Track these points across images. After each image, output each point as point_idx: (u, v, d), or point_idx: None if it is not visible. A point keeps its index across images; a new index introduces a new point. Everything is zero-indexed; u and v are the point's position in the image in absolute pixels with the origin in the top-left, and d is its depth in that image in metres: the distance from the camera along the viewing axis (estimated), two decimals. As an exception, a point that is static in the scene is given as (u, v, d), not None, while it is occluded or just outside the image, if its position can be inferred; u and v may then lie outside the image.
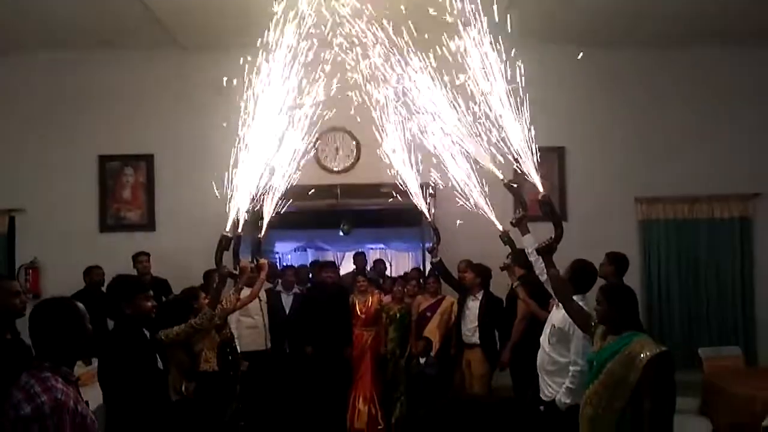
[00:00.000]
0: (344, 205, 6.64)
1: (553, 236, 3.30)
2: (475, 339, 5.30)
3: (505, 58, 3.26)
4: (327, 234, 9.71)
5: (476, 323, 5.29)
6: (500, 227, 4.05)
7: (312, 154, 6.07)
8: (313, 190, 5.55)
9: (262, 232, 4.45)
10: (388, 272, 8.11)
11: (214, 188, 4.18)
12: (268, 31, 3.60)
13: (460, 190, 4.11)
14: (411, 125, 4.30)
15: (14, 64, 6.43)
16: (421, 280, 6.14)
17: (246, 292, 4.70)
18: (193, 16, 5.63)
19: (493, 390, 5.35)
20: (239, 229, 4.03)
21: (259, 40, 3.63)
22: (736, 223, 6.56)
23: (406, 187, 4.84)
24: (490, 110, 3.31)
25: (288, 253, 10.52)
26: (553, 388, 3.62)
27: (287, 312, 5.97)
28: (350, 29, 3.66)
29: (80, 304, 2.30)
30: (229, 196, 3.97)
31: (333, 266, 6.53)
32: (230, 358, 4.61)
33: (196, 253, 5.76)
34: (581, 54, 6.35)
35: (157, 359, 3.05)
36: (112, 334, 3.13)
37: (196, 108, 6.29)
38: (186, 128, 6.42)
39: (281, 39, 3.62)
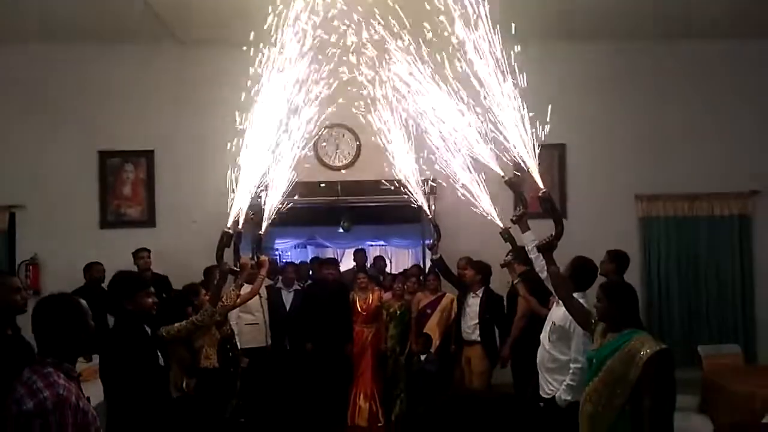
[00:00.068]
0: (344, 201, 6.64)
1: (553, 233, 3.30)
2: (476, 336, 5.31)
3: (506, 56, 3.26)
4: (327, 231, 9.73)
5: (476, 320, 5.30)
6: (500, 224, 4.04)
7: (312, 150, 6.10)
8: (313, 187, 5.56)
9: (263, 229, 4.45)
10: (388, 269, 8.12)
11: (215, 184, 4.17)
12: (268, 26, 3.59)
13: (460, 187, 4.11)
14: (412, 122, 4.30)
15: (13, 60, 6.41)
16: (421, 277, 6.16)
17: (246, 288, 4.71)
18: (193, 11, 5.62)
19: (492, 387, 5.36)
20: (240, 226, 4.03)
21: (259, 35, 3.63)
22: (735, 220, 6.57)
23: (407, 183, 4.83)
24: (491, 107, 3.31)
25: (288, 249, 10.53)
26: (554, 386, 3.63)
27: (288, 309, 5.98)
28: (350, 24, 3.65)
29: (83, 301, 2.30)
30: (230, 193, 3.97)
31: (334, 263, 6.54)
32: (230, 354, 4.62)
33: (196, 249, 5.78)
34: (582, 51, 6.40)
35: (158, 356, 3.04)
36: (113, 330, 3.13)
37: (197, 104, 6.29)
38: (186, 124, 6.42)
39: (281, 34, 3.62)
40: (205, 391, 4.28)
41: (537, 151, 3.26)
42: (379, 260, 8.08)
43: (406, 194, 4.92)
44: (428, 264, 6.11)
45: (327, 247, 10.27)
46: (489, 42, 3.22)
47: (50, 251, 6.34)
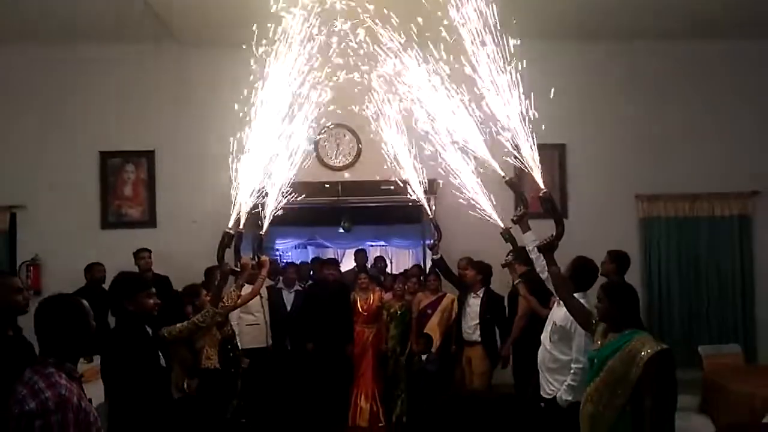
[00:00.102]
0: (345, 202, 6.63)
1: (554, 234, 3.31)
2: (476, 336, 5.31)
3: (506, 55, 3.26)
4: (327, 231, 9.71)
5: (477, 320, 5.30)
6: (501, 224, 4.05)
7: (313, 151, 6.10)
8: (314, 187, 5.56)
9: (264, 229, 4.45)
10: (388, 269, 8.11)
11: (215, 185, 4.18)
12: (268, 26, 3.60)
13: (461, 187, 4.11)
14: (412, 122, 4.30)
15: (14, 60, 6.43)
16: (421, 278, 6.16)
17: (247, 289, 4.71)
18: (193, 11, 5.63)
19: (493, 387, 5.36)
20: (241, 226, 4.03)
21: (259, 35, 3.63)
22: (735, 220, 6.58)
23: (408, 183, 4.84)
24: (491, 107, 3.31)
25: (288, 250, 10.52)
26: (554, 386, 3.63)
27: (289, 309, 5.98)
28: (351, 24, 3.65)
29: (85, 302, 2.30)
30: (231, 193, 3.97)
31: (335, 263, 6.54)
32: (231, 355, 4.61)
33: (196, 249, 5.79)
34: (582, 51, 6.40)
35: (159, 356, 3.04)
36: (114, 331, 3.13)
37: (197, 104, 6.30)
38: (187, 124, 6.43)
39: (281, 35, 3.62)
40: (206, 391, 4.28)
41: (537, 150, 3.26)
42: (380, 260, 8.07)
43: (407, 194, 4.92)
44: (429, 264, 6.11)
45: (327, 247, 10.25)
46: (489, 41, 3.22)
47: (51, 252, 6.35)
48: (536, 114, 3.29)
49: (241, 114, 3.85)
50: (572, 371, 3.50)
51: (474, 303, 5.35)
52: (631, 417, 2.78)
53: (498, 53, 3.22)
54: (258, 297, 5.24)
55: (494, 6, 3.17)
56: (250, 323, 5.58)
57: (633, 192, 6.59)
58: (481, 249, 5.43)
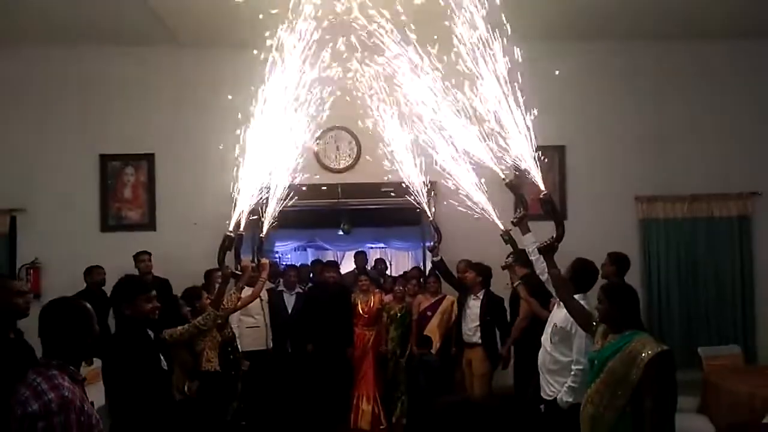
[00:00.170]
0: (345, 204, 6.64)
1: (554, 235, 3.31)
2: (476, 338, 5.31)
3: (505, 57, 3.27)
4: (327, 233, 9.73)
5: (478, 322, 5.29)
6: (501, 226, 4.05)
7: (313, 153, 6.12)
8: (313, 189, 5.56)
9: (264, 232, 4.46)
10: (388, 272, 8.12)
11: (215, 187, 4.18)
12: (268, 28, 3.61)
13: (461, 189, 4.11)
14: (412, 124, 4.30)
15: (14, 62, 6.42)
16: (421, 280, 6.16)
17: (247, 291, 4.72)
18: (193, 13, 5.63)
19: (493, 389, 5.36)
20: (241, 229, 4.03)
21: (259, 37, 3.64)
22: (735, 221, 6.59)
23: (407, 185, 4.84)
24: (491, 109, 3.32)
25: (288, 252, 10.53)
26: (555, 387, 3.63)
27: (290, 312, 5.98)
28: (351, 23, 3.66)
29: (89, 305, 2.31)
30: (231, 195, 3.98)
31: (335, 266, 6.54)
32: (231, 357, 4.62)
33: (196, 252, 5.79)
34: (581, 52, 6.41)
35: (160, 359, 3.03)
36: (115, 335, 3.12)
37: (197, 106, 6.30)
38: (187, 126, 6.43)
39: (281, 37, 3.63)
40: (206, 394, 4.28)
41: (537, 152, 3.27)
42: (380, 263, 8.09)
43: (407, 196, 4.93)
44: (428, 266, 6.11)
45: (327, 249, 10.27)
46: (489, 42, 3.23)
47: (51, 255, 6.35)
48: (536, 114, 3.30)
49: (241, 116, 3.86)
50: (573, 373, 3.51)
51: (474, 305, 5.35)
52: (632, 418, 2.78)
53: (498, 55, 3.23)
54: (258, 299, 5.25)
55: (494, 7, 3.18)
56: (250, 326, 5.58)
57: (632, 193, 6.60)
58: (481, 251, 5.43)
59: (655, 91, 6.62)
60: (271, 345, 5.74)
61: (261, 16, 3.64)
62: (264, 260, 4.68)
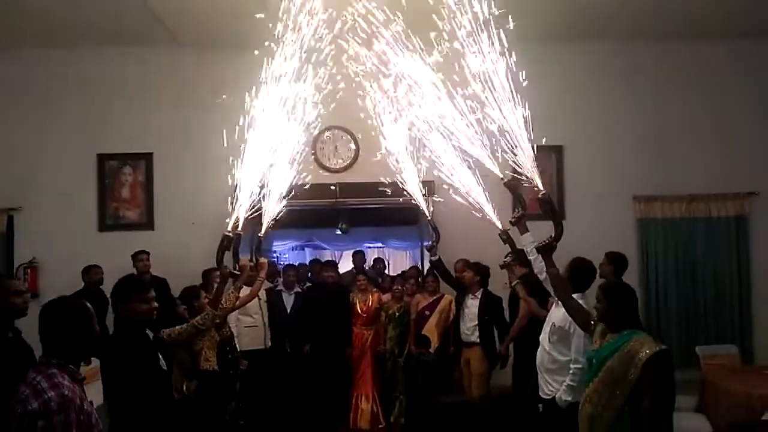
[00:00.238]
0: (342, 203, 6.64)
1: (553, 235, 3.32)
2: (475, 338, 5.31)
3: (504, 57, 3.27)
4: (325, 232, 9.72)
5: (476, 322, 5.30)
6: (499, 225, 4.06)
7: (311, 152, 6.12)
8: (312, 189, 5.56)
9: (262, 231, 4.45)
10: (386, 271, 8.12)
11: (214, 187, 4.18)
12: (267, 28, 3.60)
13: (459, 189, 4.12)
14: (410, 124, 4.31)
15: (13, 63, 6.41)
16: (419, 279, 6.16)
17: (245, 291, 4.71)
18: (192, 14, 5.62)
19: (491, 388, 5.37)
20: (239, 228, 4.03)
21: (258, 37, 3.64)
22: (732, 221, 6.60)
23: (405, 185, 4.84)
24: (490, 108, 3.32)
25: (286, 251, 10.52)
26: (553, 386, 3.64)
27: (289, 311, 5.97)
28: (350, 22, 3.66)
29: (89, 305, 2.31)
30: (229, 195, 3.98)
31: (334, 265, 6.53)
32: (230, 357, 4.62)
33: (195, 251, 5.79)
34: (580, 52, 6.42)
35: (159, 359, 3.02)
36: (113, 335, 3.11)
37: (195, 106, 6.30)
38: (185, 126, 6.43)
39: (280, 37, 3.63)
40: (204, 393, 4.28)
41: (535, 152, 3.27)
42: (379, 262, 8.08)
43: (405, 196, 4.93)
44: (426, 266, 6.11)
45: (325, 249, 10.26)
46: (488, 42, 3.23)
47: (48, 254, 6.34)
48: (533, 114, 3.30)
49: (239, 116, 3.86)
50: (571, 372, 3.51)
51: (472, 304, 5.36)
52: (630, 417, 2.79)
53: (497, 55, 3.24)
54: (256, 299, 5.24)
55: (493, 7, 3.19)
56: (248, 325, 5.58)
57: (630, 193, 6.61)
58: (479, 250, 5.43)
59: (655, 91, 6.63)
60: (270, 344, 5.74)
61: (259, 16, 3.64)
62: (262, 260, 4.67)
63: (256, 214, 4.11)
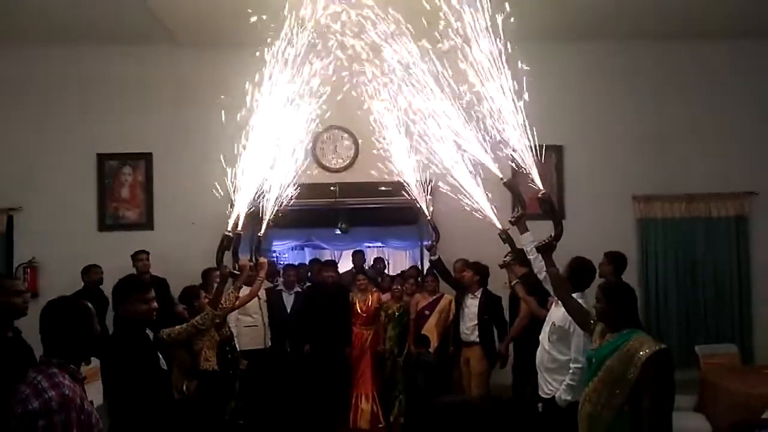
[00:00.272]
0: (342, 203, 6.64)
1: (552, 234, 3.32)
2: (474, 337, 5.32)
3: (504, 57, 3.27)
4: (324, 232, 9.72)
5: (475, 321, 5.30)
6: (499, 225, 4.06)
7: (311, 152, 6.11)
8: (311, 188, 5.56)
9: (262, 231, 4.46)
10: (386, 271, 8.11)
11: (215, 187, 4.18)
12: (267, 28, 3.60)
13: (459, 188, 4.11)
14: (410, 123, 4.30)
15: (12, 61, 6.41)
16: (419, 279, 6.16)
17: (245, 290, 4.71)
18: (192, 13, 5.63)
19: (491, 388, 5.37)
20: (239, 228, 4.03)
21: (258, 37, 3.64)
22: (732, 221, 6.60)
23: (405, 184, 4.84)
24: (490, 108, 3.32)
25: (285, 251, 10.52)
26: (553, 386, 3.64)
27: (289, 311, 5.97)
28: (349, 21, 3.66)
29: (89, 305, 2.31)
30: (228, 195, 3.98)
31: (333, 265, 6.53)
32: (230, 356, 4.62)
33: (194, 251, 5.79)
34: (580, 52, 6.42)
35: (159, 359, 3.02)
36: (113, 335, 3.11)
37: (195, 106, 6.28)
38: (184, 126, 6.42)
39: (280, 36, 3.63)
40: (204, 393, 4.28)
41: (536, 152, 3.27)
42: (379, 262, 8.08)
43: (404, 196, 4.93)
44: (426, 265, 6.11)
45: (324, 248, 10.26)
46: (488, 43, 3.23)
47: (48, 254, 6.33)
48: (533, 114, 3.30)
49: (239, 116, 3.86)
50: (571, 371, 3.52)
51: (472, 304, 5.36)
52: (630, 416, 2.79)
53: (496, 55, 3.24)
54: (256, 298, 5.24)
55: (493, 7, 3.19)
56: (248, 325, 5.58)
57: (630, 193, 6.61)
58: (479, 250, 5.43)
59: (655, 91, 6.63)
60: (270, 344, 5.74)
61: (253, 20, 3.64)
62: (262, 259, 4.68)
63: (255, 213, 4.12)
